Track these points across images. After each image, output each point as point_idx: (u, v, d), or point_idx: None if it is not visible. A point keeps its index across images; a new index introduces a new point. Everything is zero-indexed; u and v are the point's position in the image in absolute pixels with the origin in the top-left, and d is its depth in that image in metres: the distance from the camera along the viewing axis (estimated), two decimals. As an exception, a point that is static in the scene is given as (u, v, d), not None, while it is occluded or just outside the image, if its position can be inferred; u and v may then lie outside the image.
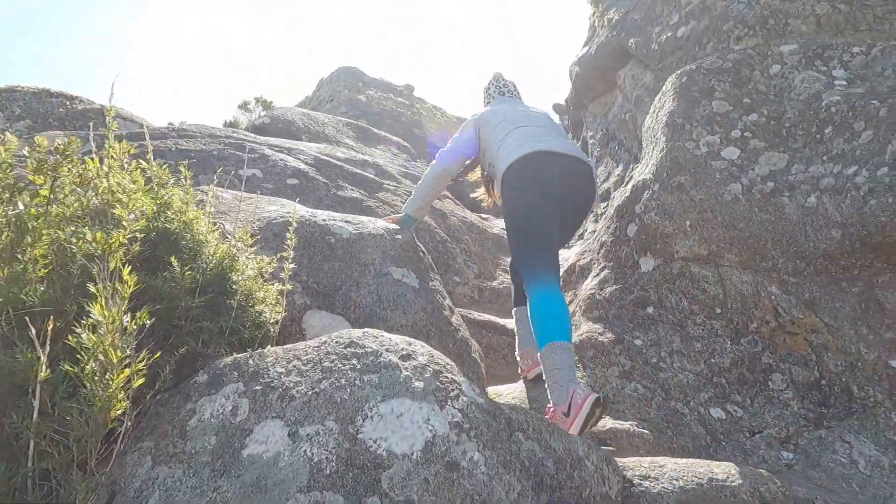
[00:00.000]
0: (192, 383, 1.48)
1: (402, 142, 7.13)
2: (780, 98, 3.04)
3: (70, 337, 1.23)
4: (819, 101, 2.87)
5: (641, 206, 3.11)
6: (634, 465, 1.71)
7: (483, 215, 5.10)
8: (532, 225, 2.43)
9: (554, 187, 2.46)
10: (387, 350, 1.50)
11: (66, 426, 1.22)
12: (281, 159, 4.02)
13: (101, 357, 1.14)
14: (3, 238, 1.44)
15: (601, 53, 5.11)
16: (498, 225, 4.78)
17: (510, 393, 2.51)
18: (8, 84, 4.83)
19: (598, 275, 3.26)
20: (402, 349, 1.52)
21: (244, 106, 7.73)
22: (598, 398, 1.95)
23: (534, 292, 2.27)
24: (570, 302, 3.36)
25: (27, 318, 1.22)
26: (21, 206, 1.51)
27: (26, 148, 1.61)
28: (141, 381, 1.23)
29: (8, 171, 1.56)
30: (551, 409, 2.06)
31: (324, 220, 2.61)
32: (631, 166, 4.25)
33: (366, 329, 1.62)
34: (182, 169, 1.94)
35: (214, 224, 2.05)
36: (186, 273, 1.64)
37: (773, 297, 2.66)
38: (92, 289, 1.35)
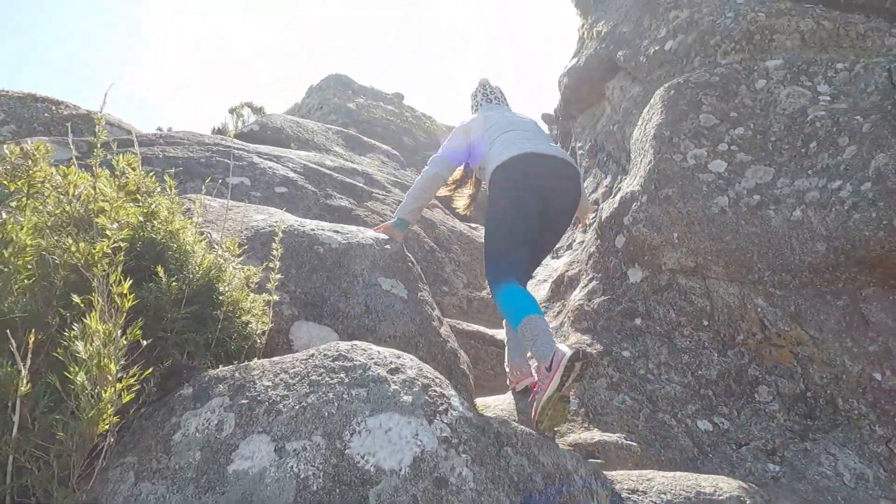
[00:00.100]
0: (176, 397, 1.45)
1: (391, 150, 7.13)
2: (766, 112, 3.08)
3: (60, 349, 1.21)
4: (804, 115, 2.91)
5: (630, 218, 3.13)
6: (623, 478, 1.71)
7: (472, 224, 5.10)
8: (511, 228, 2.50)
9: (541, 188, 2.54)
10: (375, 363, 1.49)
11: (47, 441, 1.19)
12: (269, 167, 4.00)
13: (94, 370, 1.12)
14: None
15: (590, 65, 5.15)
16: (487, 234, 4.77)
17: (499, 405, 2.50)
18: (-8, 88, 4.78)
19: (586, 286, 3.27)
20: (391, 362, 1.51)
21: (235, 111, 7.68)
22: (576, 352, 2.00)
23: (499, 289, 2.37)
24: (559, 313, 3.36)
25: (7, 331, 1.20)
26: (3, 215, 1.48)
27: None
28: (131, 396, 1.21)
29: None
30: (535, 368, 2.08)
31: (312, 230, 2.59)
32: (619, 177, 4.28)
33: (354, 342, 1.61)
34: (167, 178, 1.92)
35: (202, 234, 2.02)
36: (172, 284, 1.62)
37: (759, 310, 2.68)
38: (77, 299, 1.33)
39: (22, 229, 1.44)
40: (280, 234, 1.87)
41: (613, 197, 3.47)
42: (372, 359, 1.51)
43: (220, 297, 1.76)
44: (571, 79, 5.47)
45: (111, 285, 1.29)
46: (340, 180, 4.32)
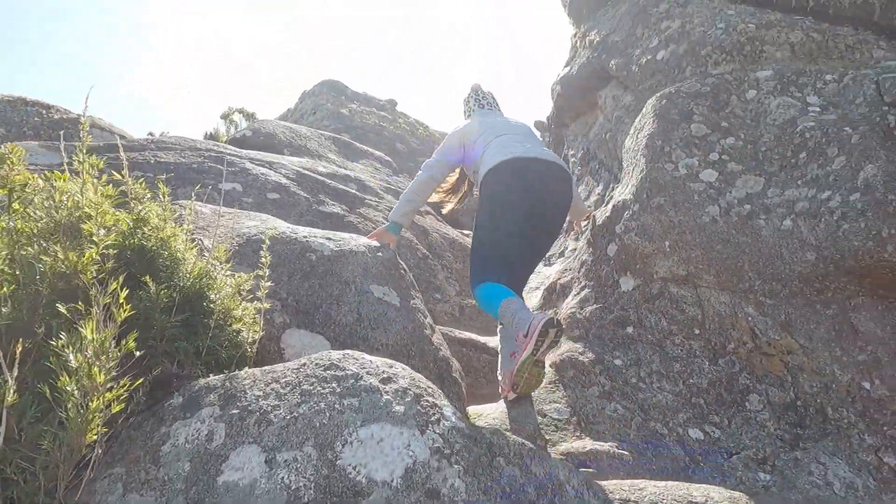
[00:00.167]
0: (166, 406, 1.44)
1: (384, 156, 7.13)
2: (756, 122, 3.11)
3: (47, 358, 1.19)
4: (794, 126, 2.94)
5: (622, 227, 3.14)
6: (615, 488, 1.70)
7: (464, 231, 5.10)
8: (496, 229, 2.60)
9: (531, 191, 2.64)
10: (367, 373, 1.48)
11: (34, 452, 1.18)
12: (262, 173, 3.99)
13: (84, 379, 1.10)
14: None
15: (582, 74, 5.18)
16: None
17: (490, 413, 2.50)
18: (-18, 91, 4.73)
19: (578, 294, 3.28)
20: (383, 372, 1.50)
21: (226, 116, 7.65)
22: (550, 319, 2.11)
23: (479, 288, 2.50)
24: (551, 320, 3.36)
25: (-6, 340, 1.18)
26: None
27: None
28: (120, 406, 1.20)
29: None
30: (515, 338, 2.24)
31: (304, 237, 2.58)
32: (611, 186, 4.30)
33: (346, 351, 1.60)
34: (160, 185, 1.91)
35: (193, 240, 2.01)
36: (162, 292, 1.61)
37: (749, 319, 2.70)
38: (63, 309, 1.31)
39: (8, 236, 1.43)
40: (267, 242, 1.86)
41: (605, 205, 3.48)
42: (364, 368, 1.51)
43: (211, 305, 1.75)
44: (564, 87, 5.50)
45: (106, 294, 1.27)
46: (333, 187, 4.31)
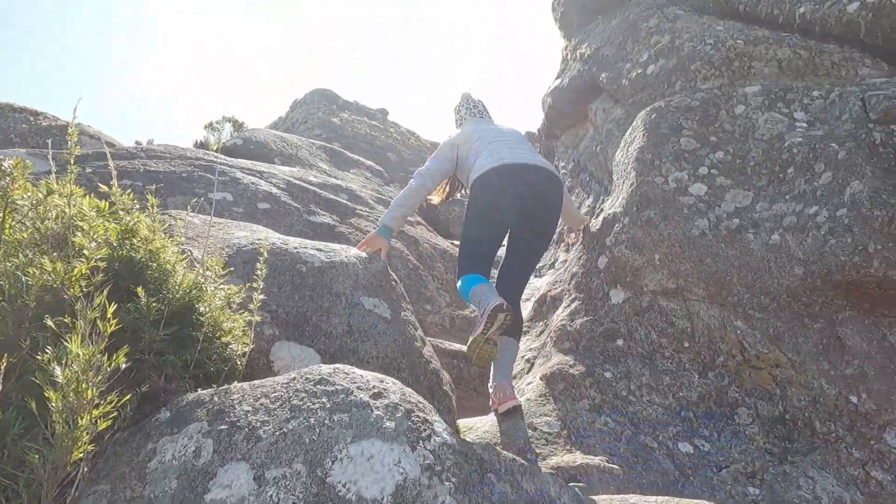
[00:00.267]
0: (153, 421, 1.42)
1: (374, 166, 7.13)
2: (744, 137, 3.14)
3: (32, 372, 1.17)
4: (782, 141, 2.98)
5: (612, 239, 3.15)
6: (605, 503, 1.70)
7: (455, 242, 5.10)
8: (480, 231, 2.79)
9: (517, 196, 2.77)
10: (358, 388, 1.47)
11: (18, 469, 1.15)
12: (252, 183, 3.97)
13: (71, 395, 1.08)
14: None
15: (573, 86, 5.22)
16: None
17: (481, 426, 2.49)
18: (-32, 97, 4.68)
19: (568, 306, 3.28)
20: (374, 387, 1.49)
21: (211, 126, 7.56)
22: (500, 304, 2.36)
23: (462, 280, 2.69)
24: (541, 332, 3.37)
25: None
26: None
27: None
28: (107, 423, 1.18)
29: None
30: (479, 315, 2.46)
31: (295, 248, 2.57)
32: (601, 198, 4.32)
33: (336, 365, 1.59)
34: (149, 196, 1.89)
35: (183, 252, 1.99)
36: (151, 305, 1.59)
37: (738, 332, 2.71)
38: (50, 322, 1.29)
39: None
40: (265, 255, 1.85)
41: (596, 217, 3.50)
42: (354, 383, 1.50)
43: (200, 318, 1.73)
44: (555, 99, 5.54)
45: (93, 308, 1.26)
46: (324, 196, 4.30)
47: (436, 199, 3.50)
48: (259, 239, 2.56)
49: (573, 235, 4.14)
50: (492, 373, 2.74)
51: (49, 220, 1.61)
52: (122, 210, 1.88)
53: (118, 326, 1.54)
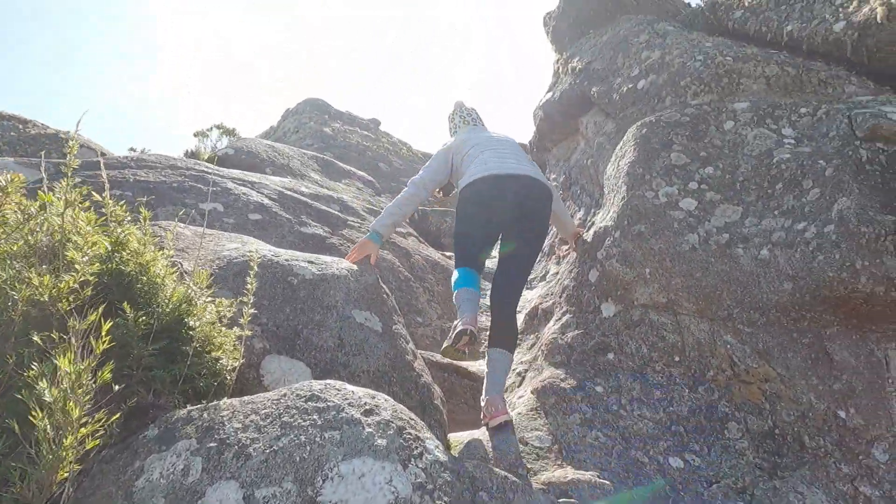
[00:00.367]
0: (141, 438, 1.40)
1: (366, 176, 7.13)
2: (734, 153, 3.18)
3: (24, 391, 1.15)
4: (770, 157, 3.01)
5: (603, 252, 3.17)
6: (597, 520, 1.69)
7: (446, 253, 5.10)
8: (470, 228, 2.97)
9: (504, 206, 2.87)
10: (349, 404, 1.46)
11: (2, 489, 1.13)
12: (244, 193, 3.96)
13: (59, 413, 1.07)
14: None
15: (564, 100, 5.26)
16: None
17: (472, 441, 2.47)
18: (-44, 104, 4.64)
19: (560, 319, 3.29)
20: (365, 403, 1.49)
21: (201, 134, 7.51)
22: (462, 329, 2.61)
23: (454, 274, 2.97)
24: (533, 345, 3.37)
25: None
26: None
27: None
28: (96, 442, 1.16)
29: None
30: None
31: (286, 260, 2.56)
32: (592, 211, 4.35)
33: (328, 381, 1.58)
34: (141, 209, 1.88)
35: (173, 264, 1.98)
36: (140, 319, 1.58)
37: (728, 346, 2.73)
38: (37, 338, 1.28)
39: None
40: (255, 269, 1.84)
41: (587, 231, 3.52)
42: (346, 399, 1.49)
43: (190, 332, 1.72)
44: (546, 112, 5.58)
45: (83, 323, 1.24)
46: (316, 207, 4.29)
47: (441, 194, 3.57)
48: (250, 251, 2.55)
49: (564, 248, 4.16)
50: (484, 386, 2.73)
51: (39, 232, 1.60)
52: (113, 222, 1.86)
53: (110, 343, 1.53)
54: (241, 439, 1.35)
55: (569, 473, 2.30)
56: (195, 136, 7.17)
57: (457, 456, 2.22)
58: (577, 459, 2.43)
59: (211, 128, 7.44)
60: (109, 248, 1.76)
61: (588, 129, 4.94)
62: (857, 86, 3.39)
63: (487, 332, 2.89)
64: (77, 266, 1.47)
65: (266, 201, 3.98)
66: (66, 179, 1.67)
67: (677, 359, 2.80)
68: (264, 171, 5.39)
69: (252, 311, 1.82)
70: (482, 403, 2.69)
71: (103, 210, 1.86)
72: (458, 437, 2.55)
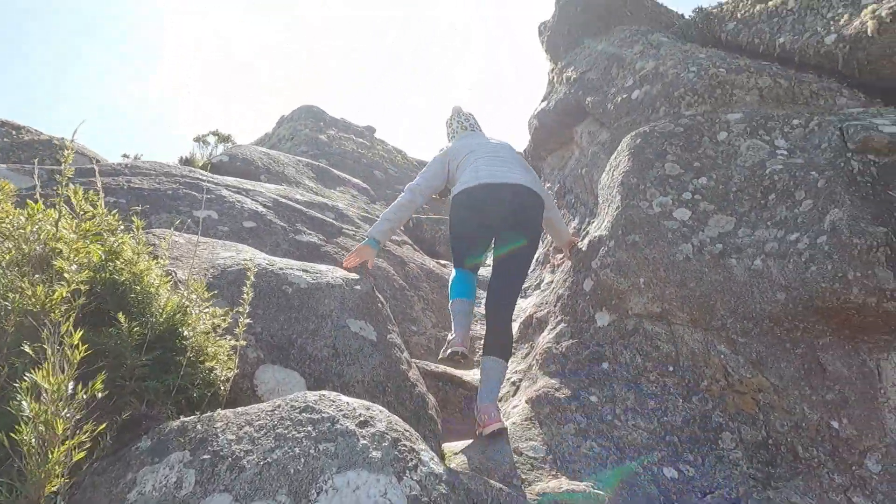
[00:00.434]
0: (133, 450, 1.39)
1: (361, 183, 7.13)
2: (727, 164, 3.20)
3: (12, 403, 1.14)
4: (763, 168, 3.04)
5: (598, 262, 3.17)
6: (591, 532, 1.69)
7: (441, 262, 5.10)
8: (460, 238, 3.08)
9: (493, 215, 2.93)
10: (344, 416, 1.46)
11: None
12: (238, 201, 3.95)
13: (41, 427, 1.05)
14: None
15: (559, 109, 5.29)
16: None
17: (467, 451, 2.46)
18: (-51, 109, 4.62)
19: (554, 328, 3.29)
20: (360, 415, 1.48)
21: (200, 139, 7.53)
22: (454, 351, 2.86)
23: (454, 272, 3.15)
24: (527, 354, 3.37)
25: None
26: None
27: None
28: (82, 454, 1.15)
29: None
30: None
31: (281, 269, 2.55)
32: (587, 220, 4.36)
33: (323, 392, 1.57)
34: (134, 219, 1.87)
35: (167, 274, 1.97)
36: (134, 329, 1.57)
37: (722, 356, 2.73)
38: (28, 349, 1.27)
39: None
40: (251, 279, 1.83)
41: (582, 240, 3.53)
42: (341, 411, 1.48)
43: (184, 342, 1.71)
44: (541, 121, 5.60)
45: (62, 335, 1.23)
46: (310, 215, 4.28)
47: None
48: (245, 259, 2.54)
49: (559, 256, 4.17)
50: (478, 394, 2.73)
51: (32, 241, 1.59)
52: (107, 231, 1.86)
53: (98, 352, 1.52)
54: (234, 451, 1.34)
55: (563, 484, 2.29)
56: (195, 140, 7.19)
57: (452, 467, 2.22)
58: (571, 470, 2.42)
59: (208, 133, 7.45)
60: (103, 258, 1.75)
61: (583, 138, 4.96)
62: (848, 98, 3.42)
63: (482, 341, 2.90)
64: (67, 275, 1.46)
65: (261, 209, 3.97)
66: (60, 188, 1.67)
67: (671, 368, 2.80)
68: (259, 179, 5.38)
69: (247, 320, 1.81)
70: (475, 412, 2.68)
71: (97, 220, 1.85)
72: (453, 447, 2.54)
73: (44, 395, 1.12)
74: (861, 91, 3.47)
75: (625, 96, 4.26)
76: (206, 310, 1.84)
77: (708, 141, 3.35)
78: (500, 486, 1.52)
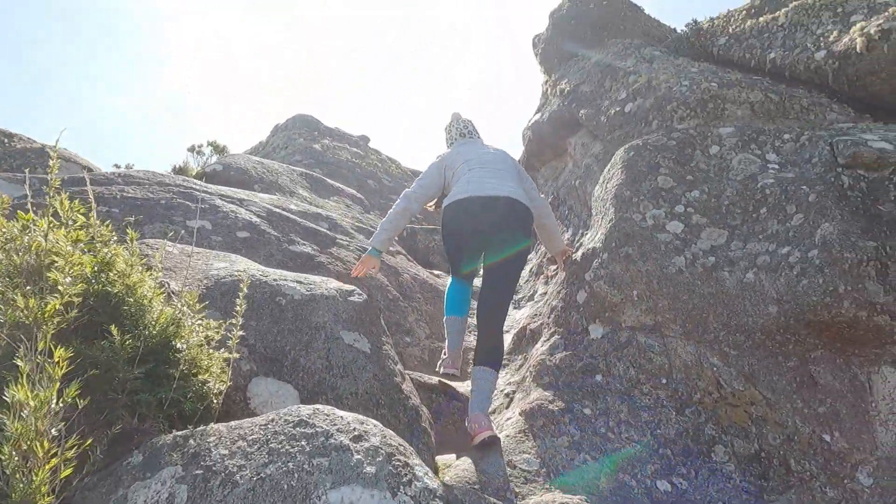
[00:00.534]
0: (124, 465, 1.37)
1: (356, 193, 7.13)
2: (719, 177, 3.23)
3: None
4: (755, 182, 3.06)
5: (591, 274, 3.19)
6: (585, 547, 1.68)
7: (435, 272, 5.10)
8: (451, 249, 3.22)
9: (478, 228, 3.01)
10: (338, 430, 1.45)
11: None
12: (232, 211, 3.94)
13: (24, 446, 1.04)
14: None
15: (553, 121, 5.33)
16: (450, 283, 4.79)
17: (460, 465, 2.46)
18: (-59, 117, 4.59)
19: (548, 339, 3.29)
20: (354, 429, 1.47)
21: (195, 149, 7.53)
22: (445, 373, 3.13)
23: (450, 281, 3.33)
24: (521, 366, 3.37)
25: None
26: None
27: None
28: (69, 471, 1.13)
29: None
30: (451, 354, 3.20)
31: (275, 280, 2.54)
32: (580, 231, 4.38)
33: (317, 406, 1.56)
34: (128, 231, 1.86)
35: (161, 286, 1.96)
36: (126, 342, 1.56)
37: (714, 369, 2.74)
38: (20, 362, 1.25)
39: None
40: (245, 290, 1.82)
41: (575, 252, 3.54)
42: (335, 425, 1.47)
43: (177, 355, 1.70)
44: (535, 133, 5.64)
45: (34, 353, 1.21)
46: (304, 225, 4.28)
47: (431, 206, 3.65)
48: (238, 270, 2.53)
49: (553, 268, 4.18)
50: (469, 404, 2.73)
51: (23, 252, 1.58)
52: (100, 242, 1.85)
53: (89, 363, 1.51)
54: (227, 466, 1.33)
55: (557, 498, 2.29)
56: (189, 151, 7.18)
57: (445, 480, 2.21)
58: (564, 483, 2.41)
59: (203, 144, 7.45)
60: (96, 269, 1.74)
61: (576, 150, 4.99)
62: (838, 113, 3.46)
63: (474, 351, 2.91)
64: (60, 288, 1.45)
65: (254, 219, 3.97)
66: (49, 199, 1.66)
67: (665, 381, 2.81)
68: (253, 188, 5.37)
69: (240, 332, 1.81)
70: (466, 422, 2.68)
71: (90, 230, 1.84)
72: (446, 461, 2.53)
73: (24, 411, 1.10)
74: (850, 106, 3.52)
75: (618, 109, 4.30)
76: (200, 322, 1.83)
77: (700, 154, 3.38)
78: (495, 501, 1.52)
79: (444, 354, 3.22)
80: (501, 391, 3.22)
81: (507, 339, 3.68)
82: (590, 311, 3.16)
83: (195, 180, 4.46)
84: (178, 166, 6.32)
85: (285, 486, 1.28)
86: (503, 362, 3.39)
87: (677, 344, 2.87)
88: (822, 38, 3.68)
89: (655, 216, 3.15)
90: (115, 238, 1.93)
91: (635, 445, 2.61)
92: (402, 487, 1.34)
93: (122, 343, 1.54)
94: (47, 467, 1.08)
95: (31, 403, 1.08)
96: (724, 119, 3.66)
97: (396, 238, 4.93)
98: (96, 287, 1.70)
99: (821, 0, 3.89)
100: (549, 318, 3.43)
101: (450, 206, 3.09)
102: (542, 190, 5.71)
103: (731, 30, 4.55)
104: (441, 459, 2.54)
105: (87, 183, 2.56)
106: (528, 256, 4.97)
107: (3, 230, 1.55)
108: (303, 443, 1.40)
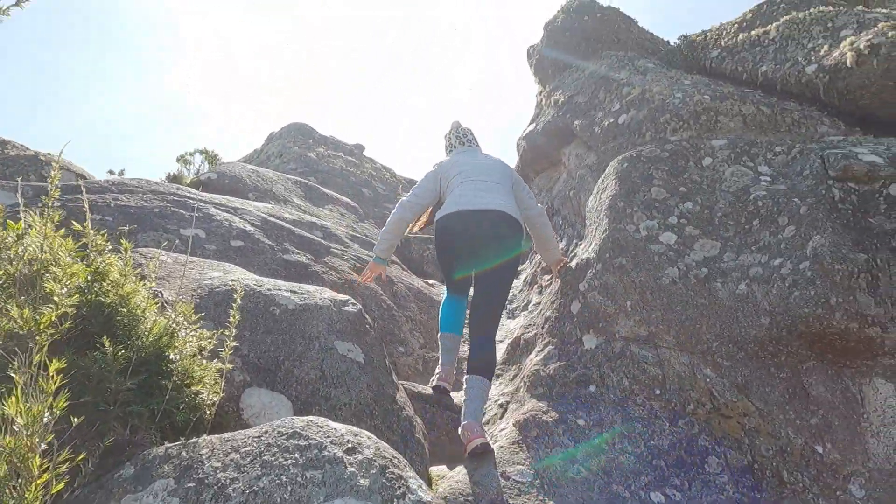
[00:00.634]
0: (116, 478, 1.36)
1: (350, 202, 7.13)
2: (712, 189, 3.25)
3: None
4: (747, 194, 3.09)
5: (585, 285, 3.20)
6: (579, 560, 1.68)
7: (429, 281, 5.10)
8: (444, 261, 3.27)
9: (469, 241, 3.05)
10: (332, 442, 1.45)
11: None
12: (226, 219, 3.93)
13: (16, 462, 1.03)
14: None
15: (547, 131, 5.36)
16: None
17: (453, 476, 2.45)
18: (-67, 123, 4.57)
19: (542, 350, 3.29)
20: (348, 441, 1.47)
21: (183, 158, 7.50)
22: (438, 386, 3.20)
23: (445, 296, 3.39)
24: (515, 376, 3.36)
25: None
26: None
27: None
28: (61, 485, 1.13)
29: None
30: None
31: (269, 290, 2.54)
32: (575, 242, 4.40)
33: (310, 417, 1.56)
34: (122, 241, 1.86)
35: (154, 295, 1.95)
36: (119, 353, 1.55)
37: (708, 380, 2.75)
38: (14, 374, 1.24)
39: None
40: (238, 301, 1.82)
41: (570, 262, 3.55)
42: (328, 437, 1.47)
43: (170, 366, 1.69)
44: (529, 143, 5.67)
45: (26, 366, 1.20)
46: (298, 234, 4.28)
47: (415, 227, 3.65)
48: (232, 280, 2.53)
49: (546, 278, 4.19)
50: (462, 413, 2.73)
51: (18, 261, 1.57)
52: (94, 251, 1.84)
53: (82, 375, 1.50)
54: (220, 479, 1.32)
55: (551, 509, 2.28)
56: (177, 160, 7.16)
57: (439, 492, 2.20)
58: (558, 494, 2.41)
59: (194, 152, 7.44)
60: (89, 279, 1.74)
61: (570, 160, 5.02)
62: (828, 126, 3.50)
63: (467, 361, 2.92)
64: (56, 298, 1.44)
65: (249, 228, 3.96)
66: (47, 209, 1.65)
67: (658, 392, 2.82)
68: (247, 197, 5.36)
69: (234, 343, 1.80)
70: (459, 431, 2.68)
71: (85, 239, 1.83)
72: (440, 472, 2.52)
73: (17, 426, 1.09)
74: (841, 120, 3.56)
75: (612, 120, 4.33)
76: (193, 332, 1.82)
77: (693, 166, 3.41)
78: (488, 513, 1.51)
79: (438, 370, 3.32)
80: (495, 402, 3.22)
81: (501, 350, 3.68)
82: (584, 321, 3.17)
83: (189, 188, 4.46)
84: (172, 174, 6.30)
85: (278, 499, 1.28)
86: (497, 372, 3.39)
87: (671, 355, 2.88)
88: (812, 53, 3.73)
89: (649, 227, 3.16)
90: (110, 247, 1.92)
91: (628, 456, 2.60)
92: (395, 500, 1.34)
93: (114, 354, 1.54)
94: (39, 482, 1.07)
95: (21, 420, 1.07)
96: (716, 131, 3.69)
97: None
98: (90, 297, 1.70)
99: (811, 15, 3.95)
100: (543, 328, 3.43)
101: (441, 220, 3.16)
102: (536, 200, 5.74)
103: (723, 43, 4.60)
104: (435, 470, 2.53)
105: (83, 192, 2.56)
106: (523, 266, 4.99)
107: (4, 239, 1.54)
108: (296, 455, 1.39)
